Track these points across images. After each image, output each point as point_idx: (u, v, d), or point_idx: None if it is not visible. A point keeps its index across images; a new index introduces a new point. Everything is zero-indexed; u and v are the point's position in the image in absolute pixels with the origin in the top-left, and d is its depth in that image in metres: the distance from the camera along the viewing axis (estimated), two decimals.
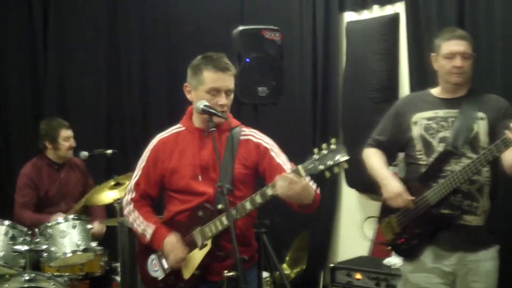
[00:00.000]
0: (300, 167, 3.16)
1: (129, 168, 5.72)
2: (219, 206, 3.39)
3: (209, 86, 3.46)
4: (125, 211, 3.73)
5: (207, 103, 3.39)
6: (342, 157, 3.09)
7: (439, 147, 3.82)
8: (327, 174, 3.11)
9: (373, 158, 4.12)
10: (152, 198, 3.72)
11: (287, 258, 6.55)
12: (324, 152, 3.09)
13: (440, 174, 3.79)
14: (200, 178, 3.49)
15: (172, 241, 3.49)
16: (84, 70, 6.86)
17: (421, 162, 3.89)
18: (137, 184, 3.69)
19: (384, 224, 4.09)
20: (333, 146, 3.09)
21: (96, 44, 6.93)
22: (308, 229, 6.53)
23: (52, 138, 5.58)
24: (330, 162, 3.07)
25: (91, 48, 6.91)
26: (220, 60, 3.50)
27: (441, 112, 3.89)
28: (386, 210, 4.05)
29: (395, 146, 4.12)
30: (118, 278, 5.23)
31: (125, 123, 6.99)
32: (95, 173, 6.08)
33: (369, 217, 4.47)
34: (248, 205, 3.32)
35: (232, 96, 3.52)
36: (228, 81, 3.48)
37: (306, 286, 6.55)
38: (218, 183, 3.37)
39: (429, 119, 3.90)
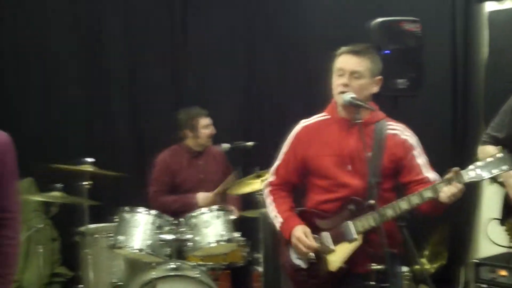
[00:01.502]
0: (463, 172, 3.11)
1: (267, 160, 5.80)
2: (371, 201, 3.37)
3: (336, 66, 3.51)
4: (264, 194, 3.85)
5: (353, 95, 3.39)
6: (509, 167, 3.02)
7: None
8: (489, 182, 3.06)
9: None
10: (292, 184, 3.75)
11: (426, 253, 6.45)
12: (490, 159, 3.03)
13: None
14: (349, 167, 3.48)
15: (298, 234, 3.51)
16: (223, 65, 6.96)
17: None
18: (277, 169, 3.77)
19: (508, 226, 3.96)
20: (499, 155, 3.02)
21: (234, 39, 7.02)
22: (448, 223, 6.41)
23: (192, 126, 5.73)
24: (495, 171, 3.00)
25: (228, 43, 7.00)
26: (354, 44, 3.53)
27: None
28: (510, 211, 3.91)
29: None
30: (259, 269, 5.29)
31: (263, 116, 7.05)
32: (234, 165, 6.17)
33: (493, 219, 4.32)
34: (404, 205, 3.30)
35: (361, 81, 3.47)
36: (353, 63, 3.46)
37: (445, 282, 6.42)
38: (370, 177, 3.37)
39: None
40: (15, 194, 3.10)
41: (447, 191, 3.14)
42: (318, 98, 3.86)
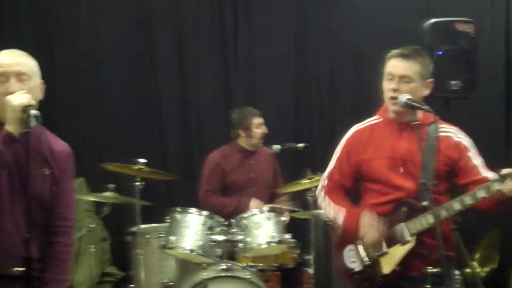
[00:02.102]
0: None
1: (315, 162, 5.79)
2: (424, 203, 3.34)
3: (386, 71, 3.50)
4: (318, 199, 3.81)
5: (409, 96, 3.37)
6: None
7: None
8: None
9: None
10: (346, 189, 3.73)
11: (477, 256, 6.38)
12: None
13: None
14: (401, 170, 3.46)
15: (367, 218, 3.47)
16: (273, 66, 6.97)
17: None
18: (331, 174, 3.75)
19: None
20: None
21: (284, 40, 7.02)
22: (500, 226, 6.31)
23: (245, 126, 5.74)
24: None
25: (279, 45, 7.01)
26: (404, 48, 3.50)
27: None
28: None
29: None
30: (309, 271, 5.26)
31: (313, 117, 7.03)
32: (284, 166, 6.17)
33: None
34: (456, 206, 3.27)
35: (411, 85, 3.44)
36: (402, 67, 3.44)
37: (496, 286, 6.33)
38: (422, 179, 3.33)
39: None
40: (73, 202, 3.17)
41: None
42: (368, 100, 3.84)
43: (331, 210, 3.68)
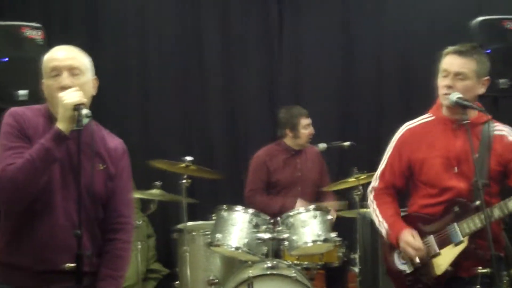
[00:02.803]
0: None
1: (361, 160, 5.77)
2: (477, 203, 3.30)
3: (441, 67, 3.46)
4: (368, 200, 3.78)
5: (460, 95, 3.33)
6: None
7: None
8: None
9: None
10: (398, 188, 3.69)
11: None
12: None
13: None
14: (456, 170, 3.42)
15: (405, 238, 3.47)
16: (318, 64, 6.97)
17: None
18: (382, 173, 3.71)
19: None
20: None
21: (330, 38, 7.02)
22: None
23: (293, 125, 5.75)
24: None
25: (325, 43, 7.00)
26: (461, 45, 3.46)
27: None
28: None
29: None
30: (355, 269, 5.25)
31: (359, 115, 7.00)
32: (329, 165, 6.16)
33: None
34: (511, 205, 3.22)
35: (466, 82, 3.39)
36: (458, 64, 3.40)
37: None
38: (475, 178, 3.29)
39: None
40: (131, 199, 3.19)
41: None
42: (416, 99, 3.81)
43: (376, 219, 3.69)
